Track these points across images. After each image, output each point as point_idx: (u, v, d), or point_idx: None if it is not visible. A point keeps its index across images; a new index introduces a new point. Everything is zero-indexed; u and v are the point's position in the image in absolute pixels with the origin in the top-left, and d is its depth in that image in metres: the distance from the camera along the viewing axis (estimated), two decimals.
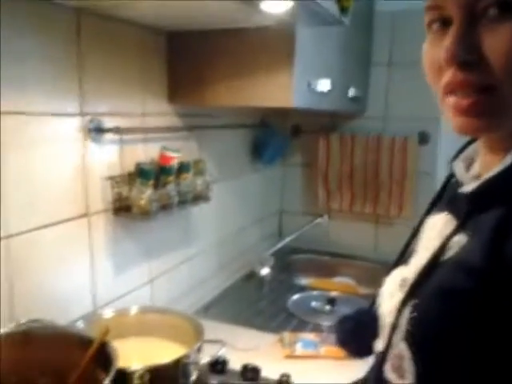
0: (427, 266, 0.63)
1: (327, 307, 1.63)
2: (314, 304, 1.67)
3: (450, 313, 0.57)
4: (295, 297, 1.73)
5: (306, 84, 1.26)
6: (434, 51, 0.58)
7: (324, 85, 1.35)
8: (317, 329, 1.48)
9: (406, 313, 0.65)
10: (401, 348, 0.68)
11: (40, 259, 1.04)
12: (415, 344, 0.64)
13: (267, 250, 1.93)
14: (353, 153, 2.00)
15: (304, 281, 2.02)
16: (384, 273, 1.93)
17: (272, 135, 1.93)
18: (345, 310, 1.63)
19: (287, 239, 1.96)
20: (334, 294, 1.74)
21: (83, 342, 0.86)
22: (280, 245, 1.93)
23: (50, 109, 1.02)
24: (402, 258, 0.81)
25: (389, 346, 0.69)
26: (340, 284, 1.97)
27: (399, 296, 0.74)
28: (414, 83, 1.93)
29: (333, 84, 1.42)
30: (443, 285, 0.59)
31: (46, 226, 1.04)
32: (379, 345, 0.79)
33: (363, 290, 1.91)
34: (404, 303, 0.68)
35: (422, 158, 1.95)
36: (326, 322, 1.53)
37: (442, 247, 0.61)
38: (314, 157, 2.11)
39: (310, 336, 1.38)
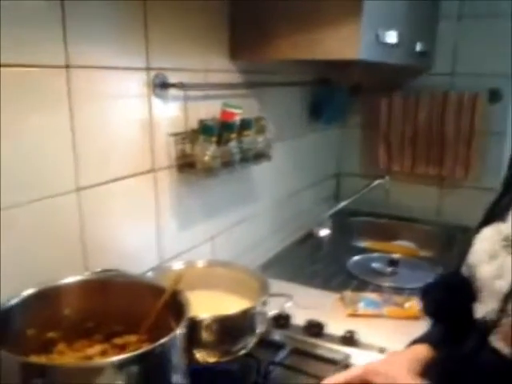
0: None
1: (389, 269, 1.61)
2: (374, 265, 1.64)
3: None
4: (355, 258, 1.72)
5: (374, 35, 1.21)
6: None
7: (391, 37, 1.29)
8: (378, 289, 1.46)
9: None
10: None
11: (110, 212, 1.07)
12: None
13: (324, 212, 1.91)
14: (417, 112, 1.92)
15: (363, 243, 2.00)
16: (444, 237, 1.86)
17: (331, 94, 1.88)
18: (407, 272, 1.61)
19: (346, 201, 1.93)
20: (395, 255, 1.71)
21: (156, 290, 0.88)
22: (339, 206, 1.91)
23: (118, 63, 1.03)
24: (492, 214, 0.77)
25: (502, 313, 0.65)
26: (400, 247, 1.94)
27: (505, 256, 0.70)
28: (485, 37, 1.83)
29: (400, 37, 1.35)
30: None
31: (116, 180, 1.06)
32: (480, 310, 0.75)
33: (425, 253, 1.87)
34: None
35: (492, 117, 1.84)
36: (388, 283, 1.51)
37: None
38: (375, 117, 2.04)
39: (372, 296, 1.36)
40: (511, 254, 0.67)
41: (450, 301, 0.86)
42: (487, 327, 0.71)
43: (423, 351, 0.84)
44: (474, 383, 0.73)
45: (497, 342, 0.71)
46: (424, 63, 1.79)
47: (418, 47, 1.59)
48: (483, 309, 0.75)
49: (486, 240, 0.76)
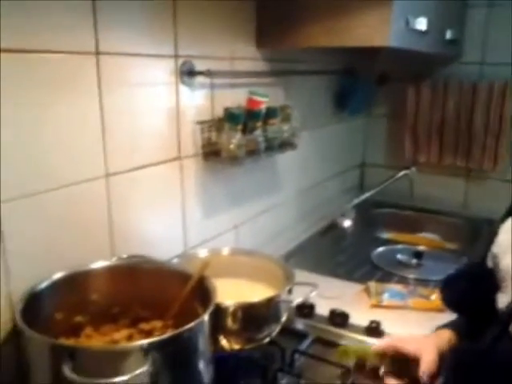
0: None
1: (414, 260, 1.59)
2: (399, 257, 1.63)
3: None
4: (379, 249, 1.70)
5: (404, 22, 1.18)
6: None
7: (421, 24, 1.26)
8: (403, 281, 1.45)
9: None
10: None
11: (137, 199, 1.07)
12: None
13: (348, 203, 1.89)
14: (445, 101, 1.88)
15: (387, 235, 1.98)
16: (471, 230, 1.83)
17: (357, 84, 1.85)
18: (432, 264, 1.59)
19: (371, 192, 1.91)
20: (420, 247, 1.69)
21: (182, 276, 0.89)
22: (363, 197, 1.88)
23: (146, 50, 1.03)
24: None
25: None
26: (425, 239, 1.91)
27: None
28: None
29: (430, 24, 1.32)
30: None
31: (143, 167, 1.07)
32: (502, 300, 0.75)
33: (450, 246, 1.84)
34: None
35: None
36: (413, 275, 1.49)
37: None
38: (401, 107, 2.01)
39: (397, 287, 1.35)
40: None
41: (472, 291, 0.85)
42: (508, 317, 0.70)
43: (449, 336, 0.85)
44: (493, 373, 0.72)
45: None
46: (453, 51, 1.75)
47: (448, 35, 1.55)
48: (505, 299, 0.74)
49: (510, 231, 0.76)
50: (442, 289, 0.95)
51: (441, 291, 0.94)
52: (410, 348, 0.87)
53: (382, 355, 0.92)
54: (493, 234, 0.81)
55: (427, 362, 0.82)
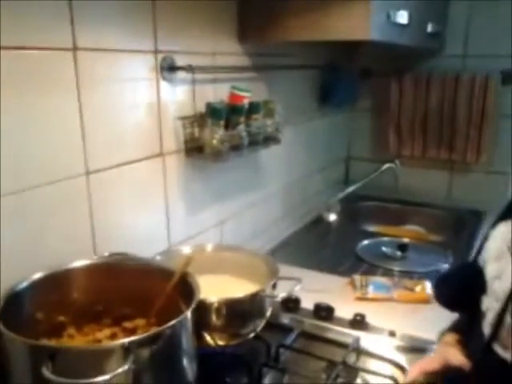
0: None
1: (398, 253, 1.60)
2: (384, 249, 1.64)
3: None
4: (364, 242, 1.71)
5: (385, 15, 1.18)
6: None
7: (402, 17, 1.26)
8: (388, 273, 1.46)
9: None
10: (508, 323, 0.65)
11: (119, 196, 1.06)
12: None
13: (333, 197, 1.90)
14: (428, 95, 1.90)
15: (372, 228, 1.99)
16: (455, 222, 1.85)
17: (341, 78, 1.86)
18: (417, 256, 1.60)
19: (355, 185, 1.91)
20: (404, 240, 1.70)
21: (165, 273, 0.88)
22: (348, 191, 1.89)
23: (125, 46, 1.02)
24: (510, 210, 0.76)
25: (500, 320, 0.66)
26: (410, 231, 1.92)
27: (507, 259, 0.70)
28: (498, 18, 1.79)
29: (411, 17, 1.33)
30: None
31: (124, 164, 1.06)
32: (486, 303, 0.76)
33: (434, 238, 1.86)
34: None
35: (504, 100, 1.81)
36: (398, 267, 1.50)
37: None
38: (384, 101, 2.02)
39: (381, 279, 1.36)
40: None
41: (463, 290, 0.86)
42: (490, 332, 0.71)
43: (455, 339, 0.86)
44: None
45: (498, 347, 0.71)
46: (435, 45, 1.76)
47: (430, 28, 1.56)
48: (487, 303, 0.76)
49: (497, 238, 0.77)
50: (435, 287, 0.96)
51: (434, 289, 0.96)
52: (435, 363, 0.85)
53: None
54: (484, 238, 0.82)
55: (459, 359, 0.82)
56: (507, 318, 0.67)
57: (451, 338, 0.87)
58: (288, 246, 1.69)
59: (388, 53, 1.88)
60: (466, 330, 0.84)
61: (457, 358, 0.81)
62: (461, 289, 0.87)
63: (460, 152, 1.91)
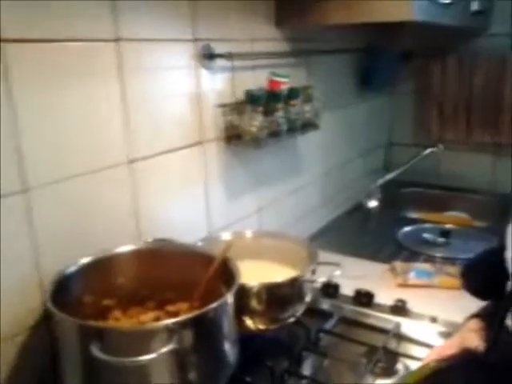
0: None
1: (441, 239, 1.57)
2: (426, 236, 1.61)
3: None
4: (405, 229, 1.68)
5: None
6: None
7: None
8: (430, 260, 1.43)
9: None
10: None
11: (161, 184, 1.09)
12: None
13: (374, 183, 1.87)
14: (472, 76, 1.83)
15: (413, 214, 1.95)
16: (500, 207, 1.79)
17: (381, 61, 1.82)
18: (460, 242, 1.57)
19: (397, 171, 1.88)
20: (447, 226, 1.66)
21: (206, 259, 0.90)
22: (389, 177, 1.86)
23: (165, 35, 1.03)
24: None
25: None
26: (453, 217, 1.88)
27: None
28: None
29: None
30: None
31: (166, 152, 1.08)
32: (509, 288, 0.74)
33: (479, 224, 1.81)
34: None
35: None
36: (441, 254, 1.47)
37: None
38: (427, 83, 1.96)
39: (423, 266, 1.34)
40: None
41: (491, 278, 0.84)
42: (505, 310, 0.69)
43: (479, 325, 0.84)
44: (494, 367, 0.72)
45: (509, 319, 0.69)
46: (480, 23, 1.69)
47: (474, 6, 1.50)
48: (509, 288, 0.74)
49: None
50: (462, 276, 0.94)
51: (461, 278, 0.94)
52: (452, 348, 0.83)
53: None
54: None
55: (475, 343, 0.80)
56: None
57: (475, 324, 0.85)
58: (328, 232, 1.69)
59: (430, 34, 1.82)
60: (492, 316, 0.82)
61: (474, 342, 0.80)
62: (488, 276, 0.85)
63: (505, 135, 1.84)
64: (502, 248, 0.81)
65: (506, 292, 0.72)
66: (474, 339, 0.81)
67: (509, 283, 0.74)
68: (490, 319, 0.83)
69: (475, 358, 0.77)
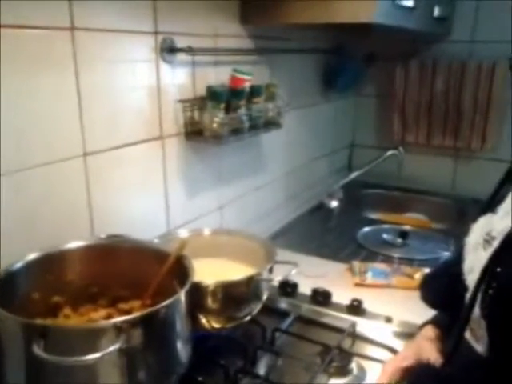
0: None
1: (399, 240, 1.60)
2: (385, 236, 1.63)
3: None
4: (365, 229, 1.70)
5: None
6: None
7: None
8: (388, 260, 1.45)
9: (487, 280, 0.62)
10: (476, 314, 0.64)
11: (117, 178, 1.06)
12: (490, 317, 0.61)
13: (336, 183, 1.89)
14: (433, 81, 1.87)
15: (374, 215, 1.98)
16: (458, 210, 1.83)
17: (346, 62, 1.83)
18: (418, 243, 1.60)
19: (358, 172, 1.90)
20: (406, 227, 1.69)
21: (161, 255, 0.88)
22: (350, 177, 1.88)
23: (124, 26, 1.01)
24: (492, 202, 0.74)
25: (470, 309, 0.65)
26: (412, 219, 1.91)
27: (481, 254, 0.69)
28: (506, 3, 1.75)
29: (417, 0, 1.30)
30: None
31: (123, 146, 1.05)
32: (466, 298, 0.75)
33: (437, 226, 1.85)
34: (485, 271, 0.63)
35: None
36: (398, 254, 1.50)
37: None
38: (389, 86, 1.99)
39: (380, 266, 1.35)
40: (485, 250, 0.67)
41: (448, 290, 0.84)
42: (464, 322, 0.70)
43: (434, 333, 0.85)
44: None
45: (470, 339, 0.70)
46: (442, 29, 1.73)
47: (436, 12, 1.53)
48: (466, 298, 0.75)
49: (476, 231, 0.76)
50: (421, 288, 0.95)
51: (420, 290, 0.94)
52: (409, 359, 0.82)
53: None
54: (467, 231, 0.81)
55: (433, 356, 0.80)
56: (476, 310, 0.66)
57: (432, 332, 0.85)
58: (289, 231, 1.69)
59: (393, 37, 1.85)
60: (448, 324, 0.82)
61: (431, 354, 0.79)
62: (446, 289, 0.85)
63: (465, 139, 1.89)
64: (459, 259, 0.82)
65: (463, 304, 0.73)
66: (430, 351, 0.80)
67: (466, 295, 0.75)
68: (445, 329, 0.84)
69: (433, 372, 0.76)
